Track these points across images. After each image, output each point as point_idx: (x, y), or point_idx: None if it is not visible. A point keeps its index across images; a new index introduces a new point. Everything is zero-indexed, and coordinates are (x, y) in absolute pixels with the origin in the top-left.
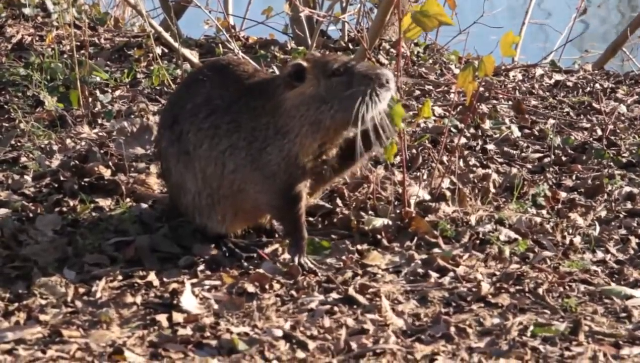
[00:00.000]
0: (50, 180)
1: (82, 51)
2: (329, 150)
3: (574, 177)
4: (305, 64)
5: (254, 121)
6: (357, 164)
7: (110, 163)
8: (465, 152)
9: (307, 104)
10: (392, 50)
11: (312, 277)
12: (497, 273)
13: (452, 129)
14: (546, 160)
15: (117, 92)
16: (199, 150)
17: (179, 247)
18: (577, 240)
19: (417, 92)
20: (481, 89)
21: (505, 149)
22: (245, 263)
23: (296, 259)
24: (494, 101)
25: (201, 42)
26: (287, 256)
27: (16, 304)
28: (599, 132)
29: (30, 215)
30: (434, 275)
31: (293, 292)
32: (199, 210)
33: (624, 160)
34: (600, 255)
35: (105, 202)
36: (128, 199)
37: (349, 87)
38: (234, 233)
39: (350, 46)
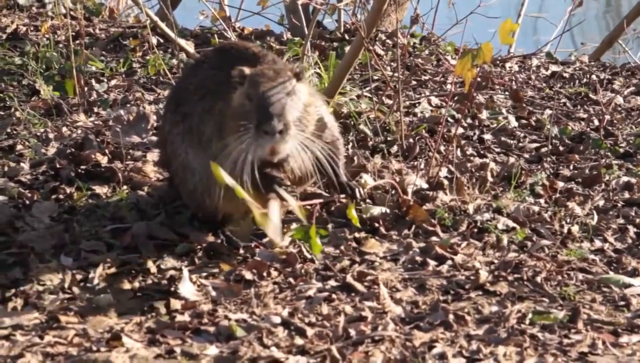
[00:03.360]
0: (46, 167)
1: (78, 41)
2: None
3: (571, 167)
4: (247, 72)
5: (226, 106)
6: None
7: (106, 151)
8: (463, 142)
9: (232, 111)
10: (388, 41)
11: (310, 265)
12: (495, 261)
13: (449, 118)
14: (543, 150)
15: (113, 82)
16: (199, 130)
17: (176, 234)
18: (575, 229)
19: (414, 83)
20: (478, 78)
21: (503, 138)
22: (242, 251)
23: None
24: (491, 91)
25: (197, 33)
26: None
27: (13, 290)
28: (596, 123)
29: (27, 202)
30: (432, 263)
31: (291, 280)
32: (208, 191)
33: (622, 150)
34: (598, 244)
35: (101, 190)
36: (125, 186)
37: (247, 118)
38: (240, 214)
39: (347, 37)
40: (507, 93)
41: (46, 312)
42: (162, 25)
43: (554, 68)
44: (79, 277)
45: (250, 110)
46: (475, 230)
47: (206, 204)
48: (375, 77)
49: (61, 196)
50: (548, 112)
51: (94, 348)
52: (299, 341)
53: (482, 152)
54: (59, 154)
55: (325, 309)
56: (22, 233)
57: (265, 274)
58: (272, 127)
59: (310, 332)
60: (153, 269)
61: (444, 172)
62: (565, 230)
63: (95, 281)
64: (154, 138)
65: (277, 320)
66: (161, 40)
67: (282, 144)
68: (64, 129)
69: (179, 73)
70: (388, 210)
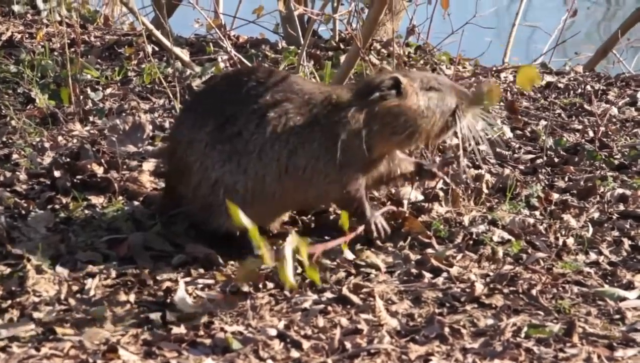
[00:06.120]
0: (42, 177)
1: (73, 49)
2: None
3: (566, 179)
4: (401, 78)
5: (333, 117)
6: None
7: (102, 160)
8: (458, 153)
9: (404, 116)
10: (383, 50)
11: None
12: (491, 274)
13: None
14: (539, 161)
15: (108, 90)
16: (266, 152)
17: (172, 245)
18: (570, 241)
19: None
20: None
21: (498, 150)
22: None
23: (374, 231)
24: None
25: (192, 41)
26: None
27: (9, 301)
28: (591, 134)
29: (23, 212)
30: (427, 275)
31: (286, 292)
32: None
33: (616, 161)
34: (593, 256)
35: (97, 200)
36: (121, 197)
37: (444, 101)
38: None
39: (342, 46)
40: (502, 103)
41: (42, 323)
42: (158, 33)
43: (548, 78)
44: (75, 288)
45: (442, 95)
46: (471, 242)
47: (219, 222)
48: None
49: (57, 206)
50: (543, 123)
51: (90, 360)
52: (295, 354)
53: (477, 163)
54: (54, 164)
55: (321, 321)
56: (18, 243)
57: (261, 286)
58: None
59: (306, 344)
60: (149, 280)
61: (439, 184)
62: (560, 242)
63: (92, 292)
64: (150, 148)
65: (273, 332)
66: (156, 49)
67: None
68: (60, 138)
69: (174, 82)
70: (384, 222)
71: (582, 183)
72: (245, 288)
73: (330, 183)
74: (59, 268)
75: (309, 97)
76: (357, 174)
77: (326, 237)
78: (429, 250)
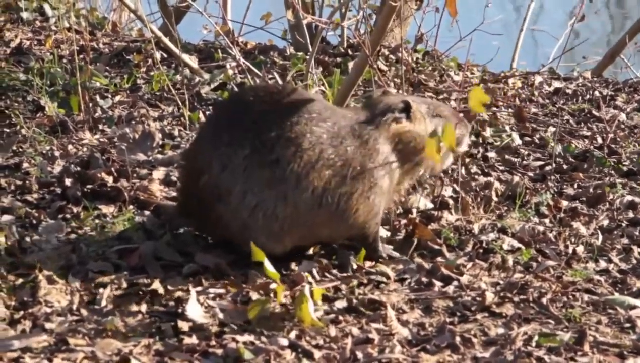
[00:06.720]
0: (53, 186)
1: (82, 56)
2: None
3: (575, 186)
4: (411, 102)
5: (361, 148)
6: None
7: (112, 169)
8: (467, 160)
9: (414, 141)
10: (391, 56)
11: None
12: (501, 282)
13: None
14: (548, 168)
15: (117, 98)
16: (302, 181)
17: (182, 254)
18: (580, 249)
19: None
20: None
21: (507, 156)
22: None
23: (384, 255)
24: (495, 108)
25: (200, 47)
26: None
27: (22, 312)
28: (600, 140)
29: (34, 222)
30: (438, 284)
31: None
32: (267, 234)
33: (625, 168)
34: (603, 264)
35: (108, 209)
36: (131, 206)
37: None
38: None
39: (350, 52)
40: (510, 110)
41: (54, 334)
42: (166, 40)
43: (556, 84)
44: (86, 298)
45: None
46: (481, 250)
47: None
48: None
49: (68, 216)
50: (552, 129)
51: None
52: None
53: (486, 170)
54: (65, 173)
55: (332, 331)
56: (29, 253)
57: (272, 295)
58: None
59: (317, 354)
60: (160, 290)
61: (448, 192)
62: (570, 250)
63: (103, 302)
64: (159, 156)
65: (285, 342)
66: (164, 55)
67: None
68: (70, 146)
69: (183, 89)
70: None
71: (591, 190)
72: (256, 298)
73: (357, 218)
74: (70, 279)
75: (338, 127)
76: (380, 208)
77: (336, 246)
78: (439, 259)
